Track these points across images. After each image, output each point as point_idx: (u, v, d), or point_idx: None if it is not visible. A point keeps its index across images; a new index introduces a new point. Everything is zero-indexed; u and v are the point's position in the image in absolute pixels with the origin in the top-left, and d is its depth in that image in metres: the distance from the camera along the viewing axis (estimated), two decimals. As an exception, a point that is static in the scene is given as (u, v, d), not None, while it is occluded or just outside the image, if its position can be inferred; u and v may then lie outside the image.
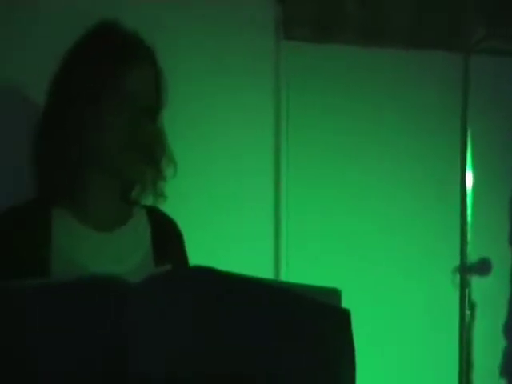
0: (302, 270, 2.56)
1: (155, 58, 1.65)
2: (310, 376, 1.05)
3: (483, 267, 2.70)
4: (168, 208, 1.79)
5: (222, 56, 2.55)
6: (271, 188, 2.57)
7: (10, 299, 1.02)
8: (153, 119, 1.64)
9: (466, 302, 2.68)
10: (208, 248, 2.29)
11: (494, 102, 2.83)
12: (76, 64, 1.59)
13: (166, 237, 1.70)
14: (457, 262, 2.70)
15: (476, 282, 2.70)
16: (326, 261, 2.59)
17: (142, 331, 1.00)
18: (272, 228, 2.55)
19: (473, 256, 2.70)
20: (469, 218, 2.71)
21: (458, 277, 2.70)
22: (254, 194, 2.54)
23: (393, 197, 2.70)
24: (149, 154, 1.63)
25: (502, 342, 2.85)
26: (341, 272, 2.58)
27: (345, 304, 1.13)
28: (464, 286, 2.69)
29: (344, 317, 1.08)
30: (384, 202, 2.70)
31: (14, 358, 1.01)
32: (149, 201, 1.77)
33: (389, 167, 2.72)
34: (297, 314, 1.06)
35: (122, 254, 1.58)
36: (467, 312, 2.65)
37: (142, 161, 1.61)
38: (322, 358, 1.06)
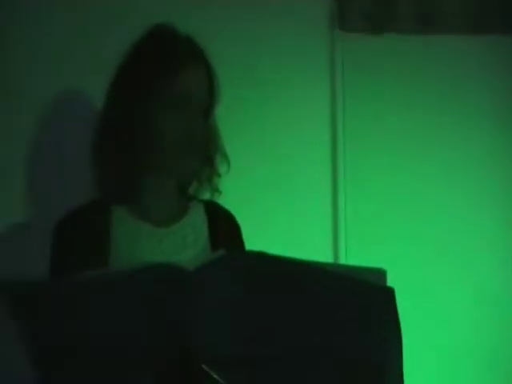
0: (359, 255, 2.57)
1: (207, 58, 1.69)
2: (360, 354, 1.10)
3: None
4: (224, 200, 1.83)
5: (278, 49, 2.57)
6: (328, 178, 2.60)
7: (79, 289, 1.09)
8: (206, 117, 1.69)
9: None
10: (267, 236, 2.33)
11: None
12: (133, 66, 1.65)
13: (224, 230, 1.75)
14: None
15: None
16: (382, 248, 2.59)
17: (203, 316, 1.06)
18: (330, 215, 2.57)
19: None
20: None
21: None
22: (311, 185, 2.56)
23: (455, 186, 2.67)
24: (203, 153, 1.69)
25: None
26: (397, 260, 2.56)
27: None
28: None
29: (389, 295, 1.10)
30: (446, 190, 2.66)
31: (83, 344, 1.08)
32: (206, 196, 1.82)
33: (452, 156, 2.68)
34: (344, 294, 1.10)
35: (180, 249, 1.64)
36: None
37: (196, 160, 1.66)
38: (370, 336, 1.10)
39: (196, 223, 1.70)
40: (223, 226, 1.75)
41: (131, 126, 1.61)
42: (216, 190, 1.76)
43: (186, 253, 1.63)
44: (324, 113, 2.62)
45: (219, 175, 1.76)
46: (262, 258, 1.07)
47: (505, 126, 2.71)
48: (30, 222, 2.17)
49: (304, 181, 2.55)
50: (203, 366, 1.03)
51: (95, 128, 1.69)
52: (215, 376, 1.02)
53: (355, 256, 2.56)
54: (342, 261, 2.53)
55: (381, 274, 1.15)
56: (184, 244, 1.65)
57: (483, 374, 2.60)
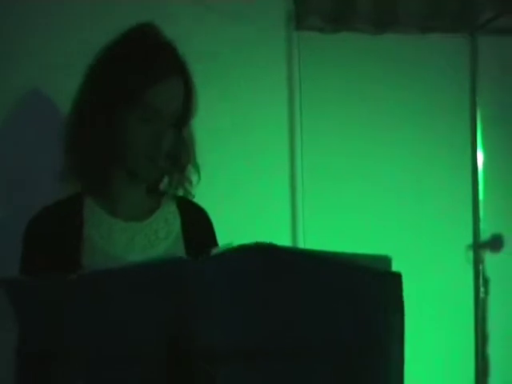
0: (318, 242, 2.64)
1: (186, 69, 1.65)
2: (366, 341, 1.11)
3: (496, 243, 2.78)
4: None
5: (236, 47, 2.63)
6: (287, 174, 2.67)
7: (95, 284, 1.11)
8: (179, 129, 1.68)
9: (480, 277, 2.77)
10: (230, 225, 2.38)
11: (503, 81, 2.88)
12: (106, 69, 1.61)
13: (197, 224, 1.76)
14: (470, 239, 2.79)
15: (489, 258, 2.80)
16: (340, 235, 2.68)
17: (205, 309, 1.07)
18: (288, 201, 2.65)
19: (485, 233, 2.79)
20: (481, 196, 2.79)
21: (471, 253, 2.79)
22: (270, 179, 2.62)
23: (406, 175, 2.78)
24: (175, 161, 1.70)
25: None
26: (355, 247, 2.65)
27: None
28: (477, 262, 2.78)
29: (396, 280, 1.13)
30: (397, 179, 2.77)
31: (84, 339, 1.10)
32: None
33: (401, 146, 2.80)
34: (352, 280, 1.12)
35: (152, 242, 1.65)
36: (481, 288, 2.75)
37: (160, 170, 1.67)
38: (377, 319, 1.12)
39: (168, 217, 1.72)
40: (196, 221, 1.76)
41: (104, 127, 1.60)
42: (189, 193, 1.78)
43: (159, 247, 1.65)
44: (282, 108, 2.70)
45: (191, 182, 1.77)
46: (271, 249, 1.07)
47: (446, 114, 2.83)
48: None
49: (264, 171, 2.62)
50: (199, 358, 1.04)
51: (70, 120, 1.67)
52: (209, 369, 1.04)
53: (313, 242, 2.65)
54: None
55: (387, 260, 1.17)
56: (156, 238, 1.66)
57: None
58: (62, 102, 2.02)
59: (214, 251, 1.07)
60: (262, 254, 1.06)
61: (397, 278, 1.13)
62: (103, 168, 1.63)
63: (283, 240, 2.63)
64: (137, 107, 1.56)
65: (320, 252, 1.09)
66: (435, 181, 2.81)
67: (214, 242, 1.78)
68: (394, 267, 2.27)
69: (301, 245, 2.62)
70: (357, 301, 1.10)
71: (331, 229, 2.70)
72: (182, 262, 1.07)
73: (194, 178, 1.76)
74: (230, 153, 2.56)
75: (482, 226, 2.80)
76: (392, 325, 1.12)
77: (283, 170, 2.68)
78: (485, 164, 2.81)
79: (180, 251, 1.64)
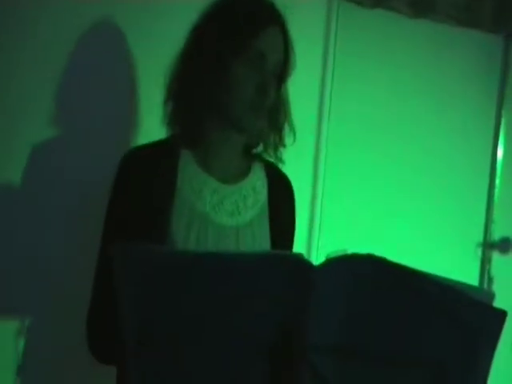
0: (333, 234, 2.58)
1: (285, 23, 1.66)
2: (456, 363, 1.17)
3: (504, 245, 2.79)
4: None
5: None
6: (311, 153, 2.58)
7: (219, 265, 1.13)
8: (279, 83, 1.67)
9: (486, 276, 2.77)
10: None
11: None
12: (211, 22, 1.61)
13: (281, 193, 1.75)
14: (480, 237, 2.79)
15: (496, 258, 2.80)
16: (354, 227, 2.63)
17: (319, 308, 1.13)
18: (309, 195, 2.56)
19: (496, 234, 2.80)
20: (496, 198, 2.80)
21: (479, 252, 2.78)
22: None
23: (424, 170, 2.75)
24: (272, 117, 1.67)
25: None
26: (367, 239, 2.60)
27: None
28: (485, 261, 2.78)
29: (500, 317, 1.17)
30: (415, 174, 2.74)
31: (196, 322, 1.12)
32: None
33: (423, 139, 2.77)
34: (457, 305, 1.17)
35: (240, 207, 1.63)
36: (485, 286, 2.74)
37: (263, 120, 1.64)
38: (471, 349, 1.18)
39: (257, 184, 1.70)
40: (281, 191, 1.75)
41: (207, 79, 1.57)
42: (279, 159, 1.74)
43: (246, 215, 1.63)
44: (314, 81, 2.61)
45: (285, 145, 1.73)
46: (382, 262, 1.15)
47: (477, 114, 2.83)
48: None
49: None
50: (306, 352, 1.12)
51: (173, 70, 1.65)
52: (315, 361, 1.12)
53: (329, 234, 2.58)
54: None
55: (491, 296, 1.22)
56: (244, 205, 1.64)
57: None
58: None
59: (331, 256, 1.15)
60: (373, 264, 1.15)
61: (500, 315, 1.17)
62: (203, 116, 1.61)
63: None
64: (243, 53, 1.56)
65: (427, 273, 1.17)
66: (453, 179, 2.81)
67: (294, 213, 1.80)
68: (405, 259, 2.24)
69: (315, 238, 2.55)
70: (456, 326, 1.16)
71: (346, 221, 2.64)
72: (304, 261, 1.14)
73: (289, 141, 1.73)
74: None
75: (494, 226, 2.79)
76: (483, 358, 1.18)
77: (307, 154, 2.59)
78: (503, 167, 2.81)
79: (264, 218, 1.66)
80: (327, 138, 2.60)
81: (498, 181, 2.83)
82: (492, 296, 1.22)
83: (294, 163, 2.46)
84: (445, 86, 2.81)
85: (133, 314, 1.10)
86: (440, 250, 2.72)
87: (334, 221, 2.59)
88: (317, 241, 2.55)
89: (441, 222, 2.75)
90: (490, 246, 2.79)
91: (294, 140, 1.72)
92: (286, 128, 1.71)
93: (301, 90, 2.51)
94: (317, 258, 2.53)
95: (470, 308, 1.17)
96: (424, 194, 2.75)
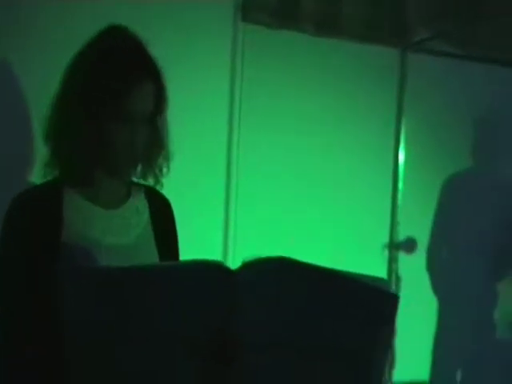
0: (248, 239, 2.76)
1: (158, 71, 1.73)
2: (361, 344, 1.30)
3: (409, 245, 2.98)
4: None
5: (182, 32, 2.70)
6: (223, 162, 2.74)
7: (145, 281, 1.27)
8: (151, 122, 1.75)
9: (393, 276, 2.96)
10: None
11: (429, 93, 3.11)
12: (86, 70, 1.67)
13: (162, 215, 1.88)
14: (386, 239, 2.98)
15: (402, 258, 3.00)
16: (268, 231, 2.80)
17: (244, 307, 1.27)
18: (223, 196, 2.74)
19: (401, 234, 2.99)
20: (399, 200, 2.99)
21: (386, 252, 2.98)
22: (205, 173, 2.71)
23: (333, 175, 2.94)
24: (147, 152, 1.77)
25: (423, 312, 3.14)
26: (278, 243, 2.76)
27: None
28: (392, 261, 2.97)
29: (394, 300, 1.29)
30: (324, 180, 2.93)
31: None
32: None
33: (329, 147, 2.96)
34: (358, 294, 1.30)
35: (126, 228, 1.76)
36: (393, 285, 2.93)
37: (135, 165, 1.77)
38: (373, 330, 1.30)
39: (139, 206, 1.82)
40: (162, 211, 1.88)
41: (84, 125, 1.66)
42: (158, 182, 1.86)
43: (132, 233, 1.76)
44: (222, 99, 2.78)
45: (161, 171, 1.84)
46: (292, 264, 1.28)
47: (372, 120, 3.02)
48: None
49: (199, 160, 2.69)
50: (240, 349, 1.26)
51: (51, 107, 1.72)
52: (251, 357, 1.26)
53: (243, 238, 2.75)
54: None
55: (385, 283, 1.40)
56: (129, 225, 1.76)
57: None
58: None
59: (247, 260, 1.28)
60: (285, 265, 1.28)
61: (394, 298, 1.29)
62: (87, 164, 1.71)
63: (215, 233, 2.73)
64: (115, 113, 1.65)
65: (330, 269, 1.31)
66: (359, 183, 2.99)
67: (175, 232, 1.92)
68: (316, 261, 2.41)
69: (231, 239, 2.72)
70: (359, 312, 1.29)
71: (260, 223, 2.81)
72: (223, 266, 1.28)
73: (165, 168, 1.84)
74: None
75: (399, 228, 2.98)
76: (383, 337, 1.31)
77: (219, 164, 2.78)
78: (405, 171, 3.00)
79: (149, 236, 1.79)
80: (238, 145, 2.77)
81: (400, 184, 3.02)
82: (386, 282, 1.44)
83: (207, 173, 2.67)
84: (348, 98, 2.99)
85: (74, 322, 1.27)
86: (349, 251, 2.89)
87: (247, 226, 2.76)
88: (232, 247, 2.73)
89: (349, 225, 2.93)
90: (396, 246, 2.98)
91: (168, 169, 1.83)
92: (162, 157, 1.81)
93: (212, 101, 2.70)
94: (233, 264, 2.70)
95: (371, 294, 1.29)
96: (332, 198, 2.92)
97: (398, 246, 2.98)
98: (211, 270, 1.27)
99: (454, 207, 3.20)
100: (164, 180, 1.84)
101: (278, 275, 1.28)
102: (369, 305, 1.29)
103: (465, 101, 3.13)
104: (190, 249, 2.60)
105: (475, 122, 3.25)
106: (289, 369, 1.29)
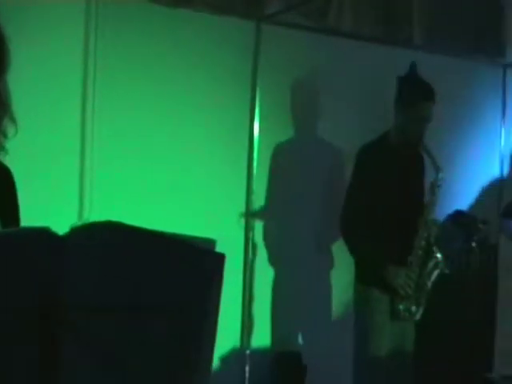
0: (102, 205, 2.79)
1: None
2: (191, 302, 1.31)
3: (264, 213, 3.10)
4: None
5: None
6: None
7: None
8: None
9: (250, 243, 3.06)
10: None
11: (283, 65, 3.17)
12: None
13: (2, 180, 1.83)
14: (242, 208, 3.07)
15: (258, 226, 3.11)
16: (123, 200, 2.82)
17: (73, 272, 1.27)
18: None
19: (256, 204, 3.09)
20: (255, 169, 3.07)
21: (243, 221, 3.07)
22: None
23: (186, 143, 2.97)
24: None
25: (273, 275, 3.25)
26: (136, 212, 2.77)
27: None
28: (248, 229, 3.07)
29: (220, 258, 1.30)
30: (182, 151, 2.96)
31: None
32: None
33: (186, 118, 2.99)
34: (183, 254, 1.32)
35: None
36: (250, 252, 3.05)
37: None
38: (201, 289, 1.31)
39: None
40: (2, 178, 1.82)
41: None
42: (2, 147, 1.78)
43: None
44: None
45: (6, 136, 1.77)
46: (119, 227, 1.29)
47: (228, 91, 3.07)
48: None
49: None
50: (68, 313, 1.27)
51: None
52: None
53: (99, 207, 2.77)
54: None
55: (212, 242, 1.35)
56: None
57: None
58: None
59: (75, 226, 1.29)
60: (113, 229, 1.30)
61: (220, 257, 1.32)
62: None
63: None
64: None
65: (158, 231, 1.32)
66: (215, 151, 3.04)
67: (14, 201, 1.89)
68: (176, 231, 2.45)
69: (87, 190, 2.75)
70: (185, 272, 1.31)
71: (117, 195, 2.83)
72: (50, 232, 1.27)
73: (11, 131, 1.77)
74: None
75: (254, 197, 3.08)
76: (212, 295, 1.33)
77: (73, 114, 2.78)
78: (260, 143, 3.10)
79: None
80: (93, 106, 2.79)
81: (255, 154, 3.11)
82: (214, 242, 1.35)
83: (61, 141, 2.67)
84: (203, 69, 3.01)
85: None
86: (208, 222, 2.93)
87: (104, 194, 2.78)
88: (89, 197, 2.78)
89: (207, 196, 2.99)
90: (251, 215, 3.09)
91: (16, 131, 1.77)
92: (6, 120, 1.76)
93: (64, 78, 2.67)
94: (89, 216, 2.73)
95: (199, 254, 1.31)
96: (190, 169, 2.97)
97: (253, 215, 3.08)
98: (36, 237, 1.27)
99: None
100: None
101: (105, 239, 1.30)
102: (197, 264, 1.31)
103: (318, 72, 3.24)
104: (46, 199, 2.68)
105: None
106: (123, 330, 1.32)
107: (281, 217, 3.21)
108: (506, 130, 3.78)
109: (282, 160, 3.18)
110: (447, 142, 3.43)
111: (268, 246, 3.16)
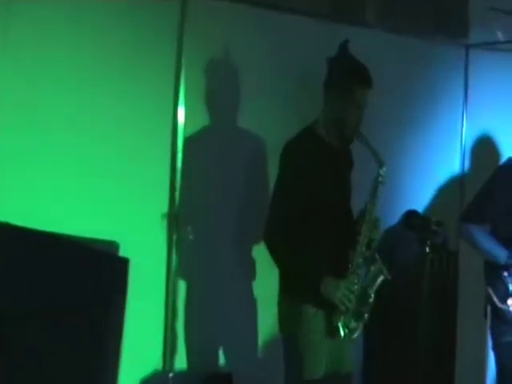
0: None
1: None
2: (94, 308, 1.29)
3: (190, 215, 2.75)
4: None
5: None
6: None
7: None
8: None
9: (173, 246, 2.70)
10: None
11: (210, 45, 2.84)
12: None
13: None
14: (165, 207, 2.71)
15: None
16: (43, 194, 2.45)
17: None
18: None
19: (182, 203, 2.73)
20: (178, 165, 2.72)
21: (165, 222, 2.71)
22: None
23: (106, 136, 2.62)
24: None
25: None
26: (39, 210, 2.40)
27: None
28: (172, 231, 2.71)
29: (123, 264, 1.31)
30: (104, 145, 2.61)
31: None
32: None
33: (102, 103, 2.63)
34: (84, 259, 1.29)
35: None
36: (174, 256, 2.69)
37: None
38: (102, 295, 1.29)
39: None
40: None
41: None
42: None
43: None
44: None
45: None
46: (11, 229, 1.24)
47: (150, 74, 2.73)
48: None
49: None
50: None
51: None
52: None
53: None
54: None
55: (115, 245, 1.47)
56: None
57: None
58: None
59: None
60: (5, 232, 1.22)
61: (124, 263, 1.31)
62: None
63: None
64: None
65: (55, 233, 1.28)
66: (135, 147, 2.68)
67: None
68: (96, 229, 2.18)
69: None
70: (86, 277, 1.28)
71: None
72: None
73: None
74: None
75: (179, 195, 2.72)
76: (116, 301, 1.32)
77: None
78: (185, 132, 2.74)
79: None
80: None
81: (179, 144, 2.75)
82: (117, 245, 1.46)
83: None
84: (126, 50, 2.66)
85: None
86: (127, 221, 2.59)
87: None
88: None
89: (127, 194, 2.63)
90: (176, 214, 2.73)
91: None
92: None
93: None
94: None
95: (100, 258, 1.31)
96: (108, 163, 2.60)
97: (177, 214, 2.72)
98: None
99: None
100: None
101: None
102: (95, 268, 1.29)
103: (249, 50, 2.89)
104: None
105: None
106: (19, 333, 1.24)
107: (198, 217, 2.85)
108: (468, 117, 3.45)
109: (196, 151, 2.80)
110: (399, 131, 3.11)
111: (186, 252, 2.80)
